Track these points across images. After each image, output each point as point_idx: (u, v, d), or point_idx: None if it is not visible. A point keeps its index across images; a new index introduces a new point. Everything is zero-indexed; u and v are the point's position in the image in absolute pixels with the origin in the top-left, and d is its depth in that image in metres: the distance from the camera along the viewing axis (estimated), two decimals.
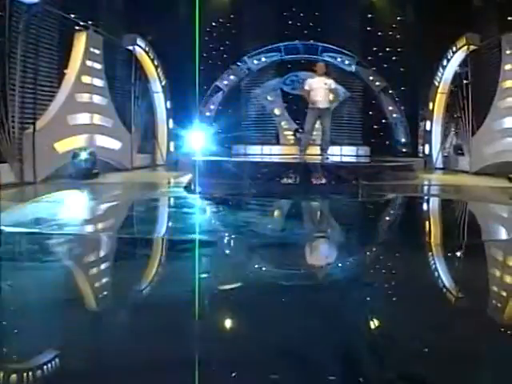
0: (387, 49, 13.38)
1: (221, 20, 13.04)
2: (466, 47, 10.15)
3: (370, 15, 13.48)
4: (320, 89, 8.79)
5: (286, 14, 13.37)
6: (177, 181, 8.50)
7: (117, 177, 8.90)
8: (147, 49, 10.66)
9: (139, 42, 10.31)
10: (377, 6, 13.16)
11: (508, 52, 8.78)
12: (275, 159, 10.14)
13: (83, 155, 8.07)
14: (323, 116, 8.92)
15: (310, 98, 8.90)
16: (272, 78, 13.00)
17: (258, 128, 13.34)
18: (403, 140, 12.16)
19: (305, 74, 12.44)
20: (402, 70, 12.94)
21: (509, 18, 10.28)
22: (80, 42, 8.50)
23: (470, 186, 8.00)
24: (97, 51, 8.89)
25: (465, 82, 10.49)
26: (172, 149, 12.03)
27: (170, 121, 11.89)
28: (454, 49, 10.46)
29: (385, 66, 13.10)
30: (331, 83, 8.97)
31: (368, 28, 13.47)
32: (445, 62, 10.92)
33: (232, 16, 13.11)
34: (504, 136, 9.06)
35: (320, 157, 9.27)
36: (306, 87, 8.98)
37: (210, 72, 12.63)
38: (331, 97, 9.07)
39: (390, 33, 13.41)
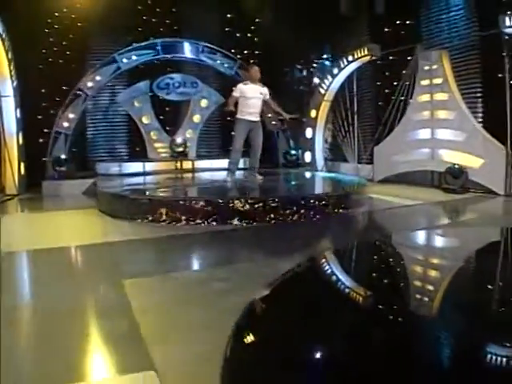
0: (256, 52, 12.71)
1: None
2: (367, 57, 10.05)
3: (229, 15, 12.51)
4: (254, 99, 7.59)
5: (140, 7, 11.34)
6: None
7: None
8: (4, 35, 7.54)
9: None
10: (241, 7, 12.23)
11: (426, 68, 8.96)
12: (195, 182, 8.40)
13: None
14: (255, 130, 7.74)
15: (231, 104, 7.63)
16: (144, 79, 10.81)
17: (126, 140, 11.03)
18: (286, 150, 11.57)
19: (182, 77, 10.88)
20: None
21: (385, 30, 10.76)
22: None
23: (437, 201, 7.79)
24: None
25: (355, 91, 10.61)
26: (23, 171, 8.99)
27: (20, 134, 8.83)
28: (351, 58, 10.29)
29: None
30: (266, 93, 7.83)
31: (229, 29, 12.49)
32: (336, 71, 10.70)
33: (79, 5, 10.46)
34: (412, 147, 9.32)
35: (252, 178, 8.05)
36: (236, 94, 7.63)
37: (74, 71, 9.92)
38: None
39: (250, 34, 12.76)
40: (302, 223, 5.78)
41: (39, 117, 10.25)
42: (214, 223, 5.62)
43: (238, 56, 12.50)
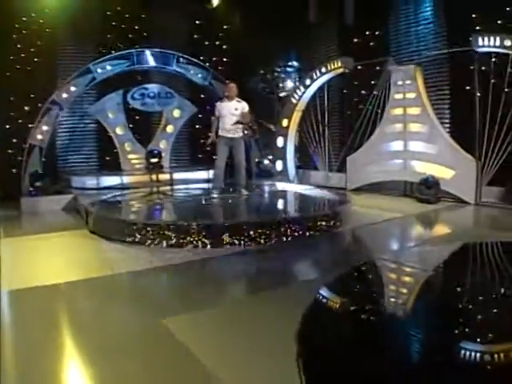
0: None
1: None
2: (339, 69, 10.37)
3: (198, 21, 12.51)
4: (230, 116, 7.76)
5: (109, 13, 11.16)
6: None
7: None
8: None
9: None
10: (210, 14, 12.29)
11: (400, 83, 9.34)
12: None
13: None
14: (236, 147, 7.93)
15: (216, 125, 7.83)
16: (116, 90, 10.63)
17: (98, 152, 10.84)
18: (259, 159, 11.68)
19: (157, 88, 10.79)
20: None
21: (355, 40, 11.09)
22: None
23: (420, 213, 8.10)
24: None
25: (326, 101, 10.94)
26: None
27: None
28: (324, 70, 10.57)
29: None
30: (244, 107, 7.99)
31: (198, 36, 12.50)
32: (308, 82, 10.94)
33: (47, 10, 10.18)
34: (386, 158, 9.70)
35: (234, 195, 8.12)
36: (216, 113, 7.83)
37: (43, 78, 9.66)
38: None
39: (219, 42, 12.84)
40: (290, 244, 5.84)
41: (7, 126, 9.94)
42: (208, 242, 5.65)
43: (207, 64, 12.56)
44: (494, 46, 7.95)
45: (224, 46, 12.97)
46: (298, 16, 11.57)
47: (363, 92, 10.56)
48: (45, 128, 9.19)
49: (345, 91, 11.23)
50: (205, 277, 4.83)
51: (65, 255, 5.58)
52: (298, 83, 11.65)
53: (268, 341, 3.08)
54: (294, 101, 11.29)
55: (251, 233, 5.69)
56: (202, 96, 11.67)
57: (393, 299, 3.84)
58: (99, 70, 9.61)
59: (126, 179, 9.89)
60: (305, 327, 3.12)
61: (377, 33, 10.80)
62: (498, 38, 7.86)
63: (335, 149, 11.36)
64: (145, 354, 2.99)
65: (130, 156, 10.81)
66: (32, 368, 2.81)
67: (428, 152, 9.04)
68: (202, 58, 12.46)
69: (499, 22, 8.43)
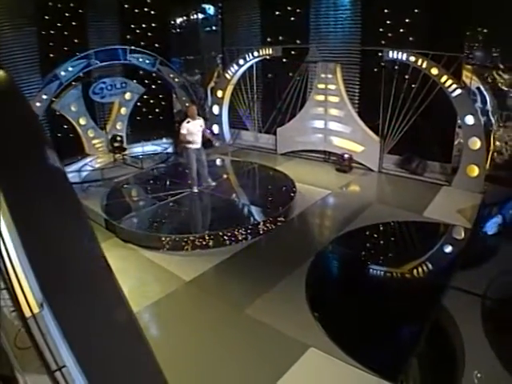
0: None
1: None
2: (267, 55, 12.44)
3: None
4: (197, 132, 9.62)
5: None
6: None
7: None
8: None
9: None
10: None
11: (322, 76, 11.60)
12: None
13: None
14: (201, 153, 9.87)
15: (186, 140, 9.59)
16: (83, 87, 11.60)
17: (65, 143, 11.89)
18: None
19: (112, 80, 11.85)
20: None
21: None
22: None
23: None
24: None
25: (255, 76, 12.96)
26: None
27: None
28: (256, 54, 12.43)
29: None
30: (202, 123, 9.83)
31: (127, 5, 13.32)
32: (242, 62, 12.74)
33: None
34: (309, 132, 12.30)
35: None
36: (184, 131, 9.51)
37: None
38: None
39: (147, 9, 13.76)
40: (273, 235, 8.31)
41: None
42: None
43: (138, 31, 13.57)
44: (401, 60, 10.40)
45: (152, 12, 13.83)
46: None
47: (288, 69, 12.68)
48: None
49: (272, 68, 13.22)
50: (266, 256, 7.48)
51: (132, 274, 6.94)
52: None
53: None
54: (228, 76, 13.09)
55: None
56: (149, 77, 12.95)
57: None
58: (63, 73, 10.44)
59: (98, 165, 11.38)
60: None
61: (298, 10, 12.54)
62: (404, 54, 10.28)
63: (264, 114, 13.64)
64: None
65: (94, 141, 12.15)
66: None
67: (343, 131, 11.73)
68: (133, 26, 13.45)
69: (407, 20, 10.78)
